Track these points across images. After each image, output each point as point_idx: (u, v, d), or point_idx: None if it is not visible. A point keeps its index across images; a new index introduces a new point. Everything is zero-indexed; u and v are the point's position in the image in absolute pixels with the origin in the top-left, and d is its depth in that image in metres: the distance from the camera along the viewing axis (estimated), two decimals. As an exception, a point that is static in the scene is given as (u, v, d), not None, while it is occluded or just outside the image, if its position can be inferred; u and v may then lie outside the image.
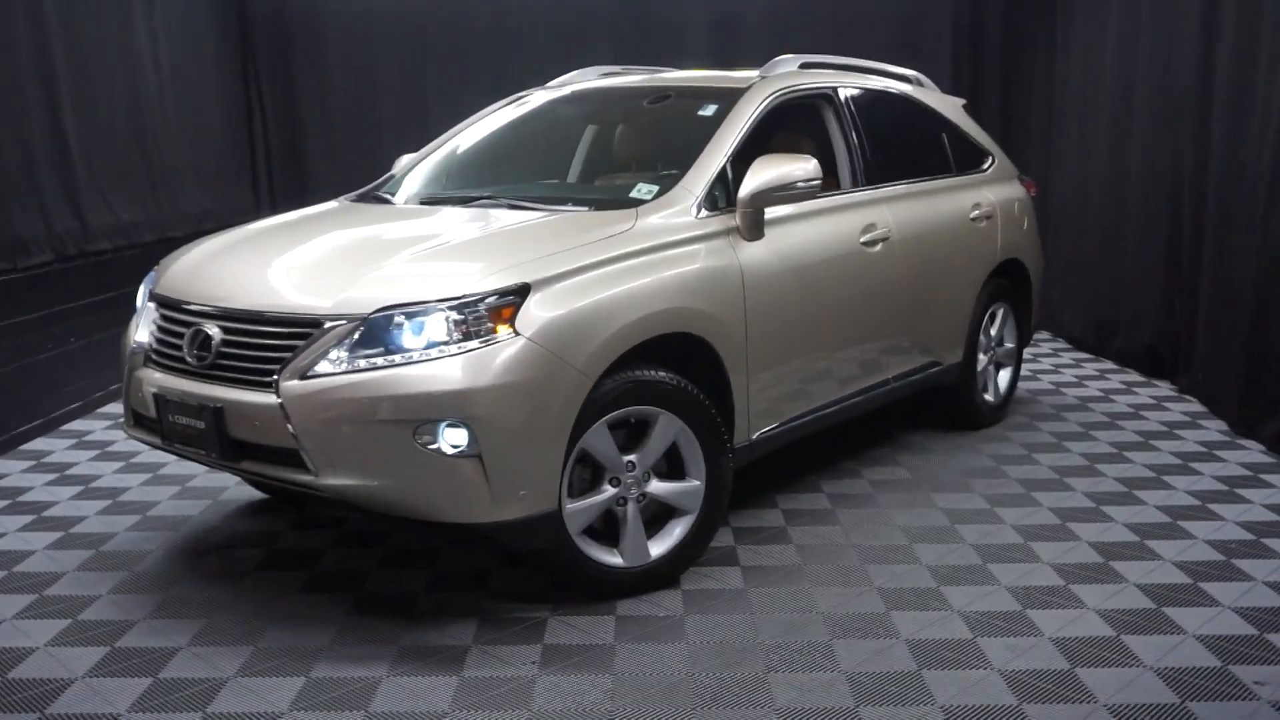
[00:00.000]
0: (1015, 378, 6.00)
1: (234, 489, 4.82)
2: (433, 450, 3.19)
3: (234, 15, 8.88)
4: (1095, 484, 4.81)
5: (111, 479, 5.05)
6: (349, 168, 8.92)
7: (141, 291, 4.01)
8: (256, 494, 4.74)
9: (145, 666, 3.28)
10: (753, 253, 4.04)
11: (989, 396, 5.74)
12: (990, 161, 5.78)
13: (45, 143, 5.94)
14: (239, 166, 8.92)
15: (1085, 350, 7.65)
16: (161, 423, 3.63)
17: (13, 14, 5.66)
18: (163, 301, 3.79)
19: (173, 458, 4.78)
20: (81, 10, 6.32)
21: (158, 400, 3.61)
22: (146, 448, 4.39)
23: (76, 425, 5.95)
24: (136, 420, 3.86)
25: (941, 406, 5.67)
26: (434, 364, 3.20)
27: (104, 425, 5.91)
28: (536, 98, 5.22)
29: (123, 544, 4.27)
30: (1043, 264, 6.15)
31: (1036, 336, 8.07)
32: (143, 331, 3.82)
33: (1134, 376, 6.84)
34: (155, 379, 3.67)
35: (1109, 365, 7.19)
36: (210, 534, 4.38)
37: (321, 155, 9.35)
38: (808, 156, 4.02)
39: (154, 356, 3.73)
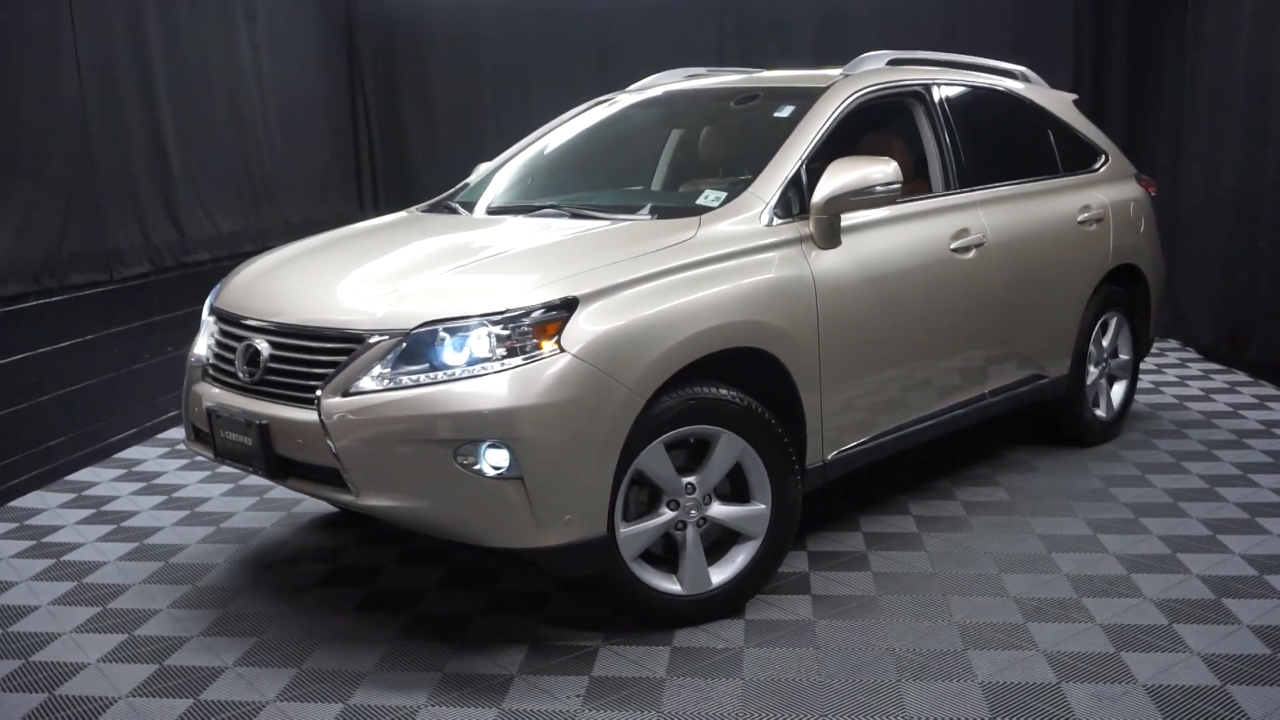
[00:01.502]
0: (1131, 391, 5.59)
1: (308, 502, 4.79)
2: (474, 471, 3.06)
3: (340, 25, 8.97)
4: (1214, 510, 4.42)
5: (195, 489, 5.09)
6: (451, 174, 8.86)
7: (206, 305, 4.00)
8: (329, 507, 4.69)
9: (189, 686, 3.23)
10: (828, 262, 3.80)
11: (1100, 412, 5.36)
12: (1103, 160, 5.40)
13: (144, 154, 6.03)
14: (344, 175, 8.99)
15: (1216, 360, 7.14)
16: (214, 438, 3.60)
17: (113, 24, 5.76)
18: (221, 315, 3.76)
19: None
20: (182, 20, 6.41)
21: (211, 415, 3.58)
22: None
23: (170, 434, 6.04)
24: (196, 435, 3.84)
25: (1048, 422, 5.32)
26: (475, 381, 3.06)
27: (184, 435, 5.97)
28: (619, 101, 5.07)
29: (192, 556, 4.27)
30: (1163, 269, 5.73)
31: (1162, 345, 7.59)
32: (202, 345, 3.80)
33: (1268, 389, 6.34)
34: (211, 394, 3.63)
35: (1241, 377, 6.68)
36: (278, 548, 4.34)
37: (425, 163, 9.36)
38: (887, 159, 3.77)
39: (211, 371, 3.70)
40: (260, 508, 4.78)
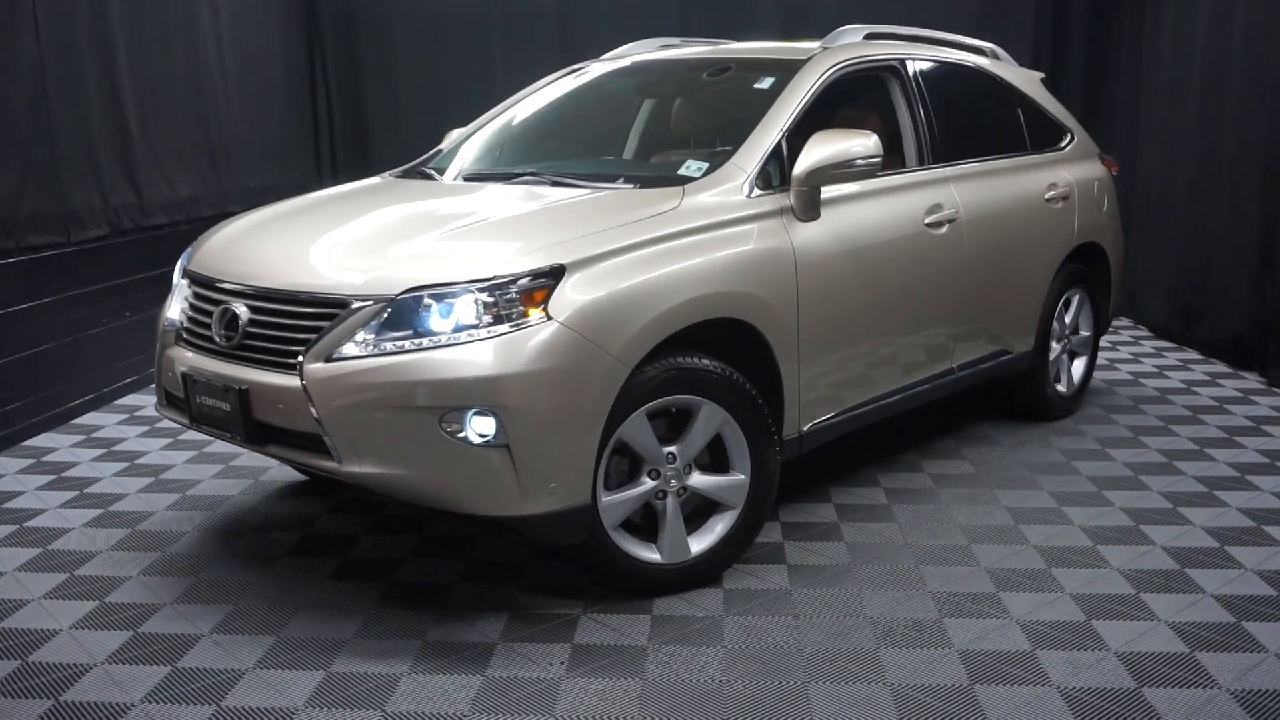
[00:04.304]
0: (1091, 368, 5.69)
1: (275, 469, 4.74)
2: (459, 439, 3.04)
3: (299, -11, 8.83)
4: (1173, 483, 4.52)
5: (157, 455, 5.01)
6: (412, 141, 8.79)
7: (177, 268, 3.93)
8: (297, 475, 4.65)
9: (165, 654, 3.19)
10: (807, 234, 3.82)
11: (1061, 387, 5.45)
12: (1069, 139, 5.47)
13: (103, 116, 5.89)
14: (302, 140, 8.86)
15: (1168, 339, 7.29)
16: (190, 403, 3.54)
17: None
18: (195, 279, 3.69)
19: (216, 436, 4.74)
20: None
21: (186, 380, 3.52)
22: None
23: (129, 400, 5.95)
24: (168, 400, 3.79)
25: (1011, 396, 5.41)
26: (462, 348, 3.04)
27: (155, 400, 5.88)
28: (592, 70, 5.03)
29: (159, 523, 4.21)
30: (1123, 247, 5.82)
31: (1116, 324, 7.73)
32: (175, 309, 3.74)
33: (1220, 368, 6.49)
34: (185, 358, 3.58)
35: (1193, 355, 6.83)
36: (247, 515, 4.30)
37: (384, 129, 9.26)
38: (868, 132, 3.79)
39: (185, 335, 3.64)
40: (226, 475, 4.73)
